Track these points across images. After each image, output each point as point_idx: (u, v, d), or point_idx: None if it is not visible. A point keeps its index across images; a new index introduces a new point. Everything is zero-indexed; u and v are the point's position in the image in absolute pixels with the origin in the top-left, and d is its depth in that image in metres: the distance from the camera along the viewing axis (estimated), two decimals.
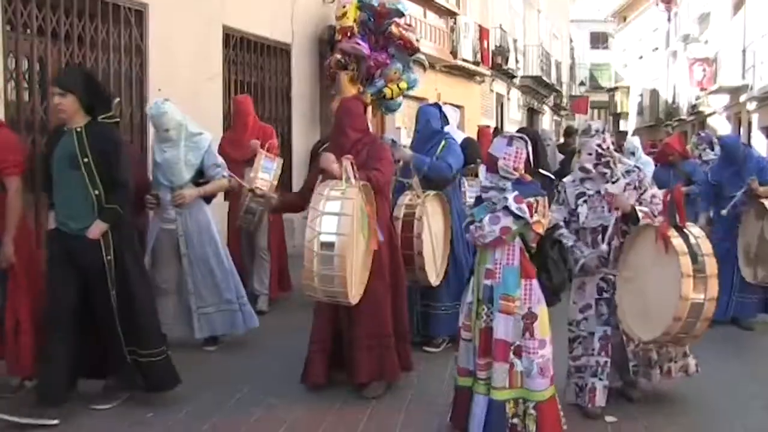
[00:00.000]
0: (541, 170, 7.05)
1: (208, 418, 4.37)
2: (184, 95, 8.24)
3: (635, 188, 4.43)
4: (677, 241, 4.03)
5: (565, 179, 4.69)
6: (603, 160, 4.41)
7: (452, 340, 5.93)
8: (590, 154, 4.42)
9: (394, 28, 10.97)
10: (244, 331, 5.78)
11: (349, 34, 10.69)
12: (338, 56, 10.64)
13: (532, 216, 3.85)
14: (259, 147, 6.72)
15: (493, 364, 3.83)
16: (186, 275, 5.57)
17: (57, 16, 7.08)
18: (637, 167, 4.54)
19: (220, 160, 5.65)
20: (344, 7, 10.80)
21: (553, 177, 7.14)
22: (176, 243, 5.55)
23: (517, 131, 8.12)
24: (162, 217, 5.58)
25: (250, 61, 10.19)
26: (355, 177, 4.38)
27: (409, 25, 11.62)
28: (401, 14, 11.23)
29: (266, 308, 6.93)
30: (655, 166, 8.75)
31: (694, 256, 3.99)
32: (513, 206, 3.85)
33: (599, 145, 4.40)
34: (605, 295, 4.45)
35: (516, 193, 3.89)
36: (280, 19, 10.57)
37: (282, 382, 5.01)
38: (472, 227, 3.95)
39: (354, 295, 4.37)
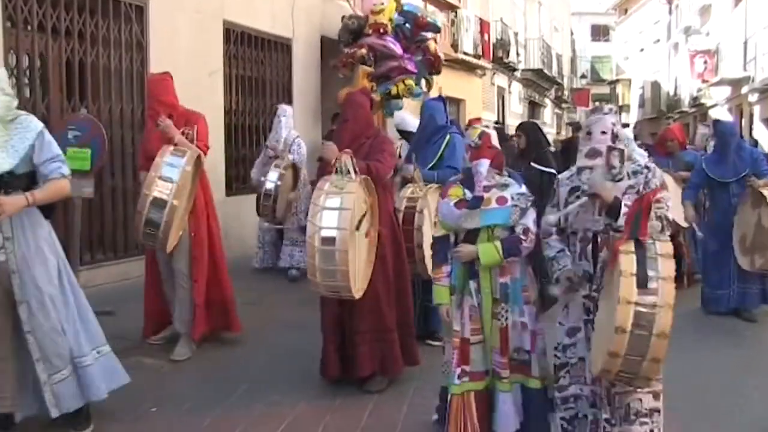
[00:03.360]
0: (534, 163, 6.93)
1: (209, 414, 4.38)
2: (184, 91, 8.21)
3: (638, 192, 3.54)
4: (627, 258, 3.22)
5: (561, 174, 3.96)
6: (618, 145, 3.58)
7: None
8: (604, 133, 3.57)
9: (432, 44, 11.36)
10: (76, 406, 3.99)
11: (381, 31, 10.73)
12: (364, 51, 10.65)
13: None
14: (172, 130, 5.25)
15: (531, 355, 3.80)
16: (25, 332, 3.81)
17: (57, 12, 7.08)
18: (648, 167, 3.67)
19: (61, 153, 3.87)
20: (382, 3, 10.87)
21: (553, 172, 7.10)
22: (6, 284, 3.79)
23: (518, 126, 8.11)
24: None
25: (251, 56, 10.19)
26: (355, 171, 4.36)
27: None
28: (438, 29, 11.65)
29: (186, 354, 5.38)
30: (654, 155, 8.75)
31: (644, 279, 3.15)
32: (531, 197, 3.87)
33: (614, 124, 3.60)
34: (591, 316, 3.67)
35: (524, 184, 3.89)
36: (280, 13, 10.56)
37: (283, 377, 5.02)
38: (522, 236, 3.74)
39: (358, 289, 4.37)
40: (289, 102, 10.91)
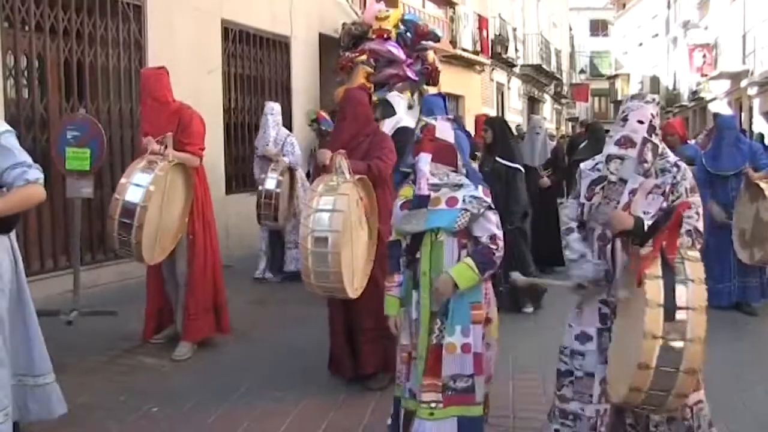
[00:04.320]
0: (500, 158, 6.85)
1: (212, 412, 4.37)
2: (183, 90, 8.21)
3: (663, 194, 3.25)
4: (653, 285, 2.85)
5: (583, 164, 3.56)
6: (653, 139, 3.23)
7: None
8: (641, 123, 3.21)
9: (432, 54, 11.46)
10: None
11: (385, 37, 10.77)
12: (364, 57, 10.71)
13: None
14: (153, 144, 5.02)
15: (474, 378, 3.40)
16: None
17: (55, 12, 7.07)
18: (677, 166, 3.31)
19: (27, 158, 3.43)
20: (388, 10, 11.02)
21: (518, 167, 6.90)
22: None
23: (485, 120, 8.07)
24: None
25: (250, 55, 10.18)
26: (349, 172, 4.30)
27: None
28: (438, 38, 11.87)
29: (187, 354, 5.35)
30: None
31: (671, 311, 2.80)
32: (490, 201, 3.46)
33: (653, 116, 3.24)
34: (609, 324, 3.35)
35: (481, 186, 3.49)
36: (279, 12, 10.55)
37: (286, 375, 5.02)
38: (492, 246, 3.39)
39: (356, 288, 4.34)
40: (288, 100, 10.92)
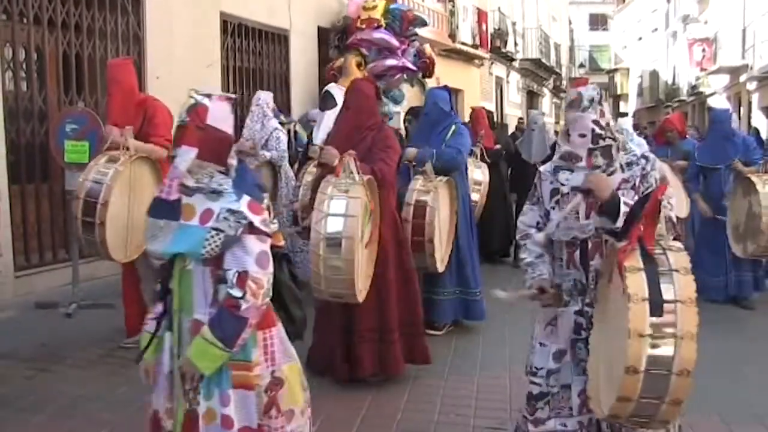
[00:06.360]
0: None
1: None
2: (182, 83, 8.20)
3: (633, 187, 3.01)
4: (634, 278, 2.57)
5: (542, 167, 3.30)
6: (601, 144, 2.97)
7: (454, 324, 5.99)
8: (583, 136, 2.97)
9: (428, 48, 11.58)
10: None
11: (376, 26, 10.79)
12: (356, 54, 10.72)
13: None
14: (115, 132, 4.93)
15: None
16: None
17: (53, 5, 7.06)
18: (645, 157, 3.09)
19: None
20: (374, 0, 11.01)
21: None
22: None
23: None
24: None
25: (249, 48, 10.17)
26: (358, 172, 4.19)
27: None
28: (425, 23, 11.92)
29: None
30: (654, 145, 8.77)
31: (658, 304, 2.51)
32: (256, 220, 2.52)
33: (596, 123, 2.97)
34: (584, 334, 3.05)
35: (248, 198, 2.56)
36: (277, 5, 10.53)
37: None
38: (236, 295, 2.47)
39: (360, 290, 4.26)
40: (287, 93, 10.92)
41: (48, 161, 6.80)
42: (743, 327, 6.29)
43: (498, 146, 9.05)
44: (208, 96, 2.58)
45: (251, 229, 2.49)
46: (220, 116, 2.56)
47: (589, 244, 3.01)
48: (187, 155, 2.49)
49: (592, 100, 2.99)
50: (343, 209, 4.01)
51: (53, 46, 7.14)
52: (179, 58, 8.28)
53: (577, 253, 3.05)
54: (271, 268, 2.54)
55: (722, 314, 6.58)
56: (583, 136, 2.97)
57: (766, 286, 7.08)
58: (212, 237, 2.45)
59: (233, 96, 2.72)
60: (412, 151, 5.73)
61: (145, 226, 2.60)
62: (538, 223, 3.20)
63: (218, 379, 2.54)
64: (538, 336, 3.19)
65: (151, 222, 2.55)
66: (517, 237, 3.28)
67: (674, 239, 2.85)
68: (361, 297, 4.28)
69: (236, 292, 2.44)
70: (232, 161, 2.59)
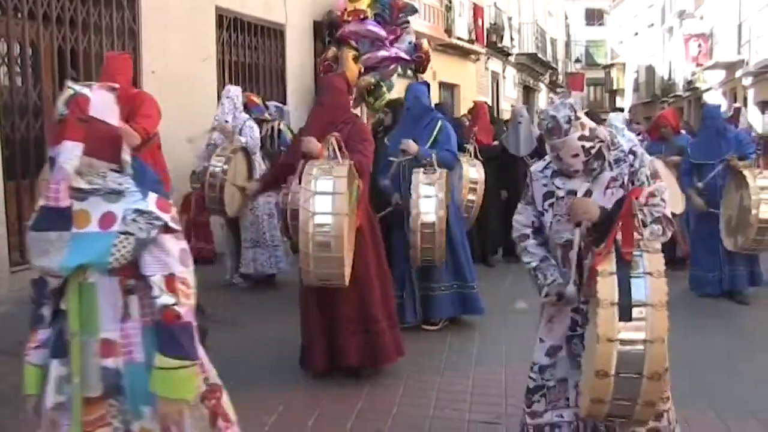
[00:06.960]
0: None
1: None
2: (177, 77, 8.22)
3: (622, 185, 2.96)
4: (605, 282, 2.59)
5: (533, 167, 3.27)
6: (593, 152, 2.92)
7: (450, 320, 5.99)
8: (576, 156, 2.92)
9: (425, 44, 11.50)
10: None
11: (362, 17, 10.74)
12: (350, 47, 10.69)
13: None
14: None
15: None
16: None
17: (48, 0, 7.03)
18: (633, 152, 3.02)
19: None
20: None
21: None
22: None
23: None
24: None
25: (244, 42, 10.14)
26: (342, 155, 4.26)
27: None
28: (415, 10, 11.70)
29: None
30: (648, 140, 8.79)
31: (627, 309, 2.52)
32: (168, 218, 2.30)
33: (582, 138, 2.89)
34: (579, 330, 3.07)
35: (155, 195, 2.32)
36: None
37: (276, 364, 5.02)
38: (171, 304, 2.26)
39: (348, 272, 4.25)
40: (283, 88, 10.90)
41: (43, 156, 6.77)
42: (738, 322, 6.30)
43: (496, 142, 9.01)
44: (88, 86, 2.32)
45: (166, 228, 2.28)
46: (104, 107, 2.28)
47: (582, 244, 2.97)
48: (73, 152, 2.19)
49: (569, 120, 2.91)
50: (330, 188, 4.04)
51: (48, 41, 7.11)
52: (175, 53, 8.26)
53: (572, 252, 3.01)
54: (192, 265, 2.34)
55: (717, 309, 6.60)
56: (575, 156, 2.93)
57: (764, 280, 7.08)
58: (121, 242, 2.20)
59: (116, 86, 2.46)
60: (413, 146, 5.72)
61: (29, 242, 2.25)
62: (533, 222, 3.18)
63: (144, 394, 2.28)
64: (540, 331, 3.22)
65: (39, 236, 2.22)
66: (513, 236, 3.27)
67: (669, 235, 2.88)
68: (347, 280, 4.24)
69: (168, 299, 2.23)
70: (126, 157, 2.30)
